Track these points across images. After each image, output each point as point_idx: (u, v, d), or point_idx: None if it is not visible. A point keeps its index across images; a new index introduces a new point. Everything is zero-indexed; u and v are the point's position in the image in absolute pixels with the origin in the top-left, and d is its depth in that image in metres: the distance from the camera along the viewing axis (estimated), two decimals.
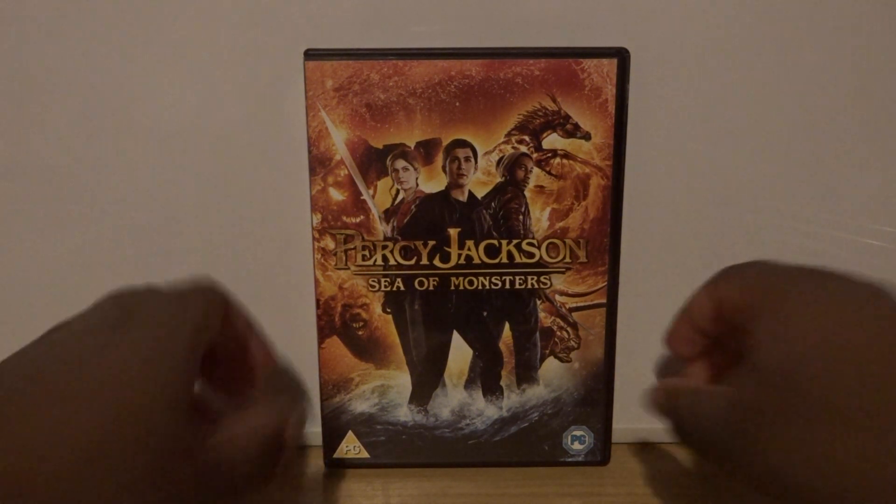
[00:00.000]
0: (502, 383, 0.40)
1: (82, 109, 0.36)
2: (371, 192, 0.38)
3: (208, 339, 0.27)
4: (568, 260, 0.39)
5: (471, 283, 0.39)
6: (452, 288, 0.39)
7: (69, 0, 0.35)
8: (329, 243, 0.39)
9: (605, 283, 0.39)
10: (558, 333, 0.40)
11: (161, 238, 0.40)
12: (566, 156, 0.38)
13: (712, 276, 0.31)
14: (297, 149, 0.38)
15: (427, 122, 0.37)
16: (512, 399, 0.41)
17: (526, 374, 0.40)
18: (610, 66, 0.37)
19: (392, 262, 0.39)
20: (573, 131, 0.37)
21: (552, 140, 0.38)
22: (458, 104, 0.37)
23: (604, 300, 0.39)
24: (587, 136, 0.37)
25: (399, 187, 0.38)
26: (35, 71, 0.36)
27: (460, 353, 0.40)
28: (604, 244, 0.39)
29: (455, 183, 0.38)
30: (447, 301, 0.39)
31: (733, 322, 0.29)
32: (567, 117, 0.37)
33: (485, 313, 0.40)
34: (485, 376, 0.40)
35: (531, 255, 0.39)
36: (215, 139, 0.38)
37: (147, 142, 0.37)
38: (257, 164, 0.39)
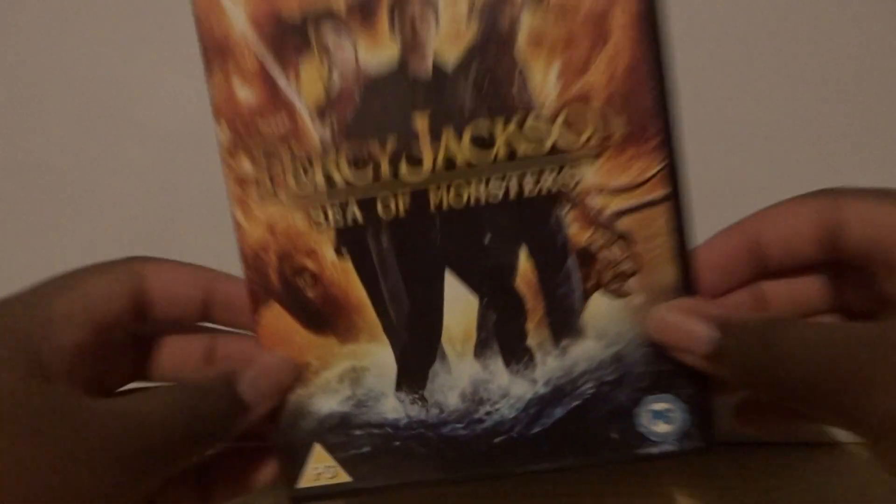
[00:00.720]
0: (530, 342, 0.27)
1: (82, 109, 0.36)
2: (292, 81, 0.26)
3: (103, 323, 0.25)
4: (599, 137, 0.26)
5: (458, 195, 0.26)
6: (433, 208, 0.26)
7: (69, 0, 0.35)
8: (245, 166, 0.26)
9: (664, 164, 0.26)
10: (602, 254, 0.26)
11: (161, 238, 0.39)
12: None
13: (815, 193, 0.25)
14: None
15: None
16: (549, 365, 0.27)
17: (564, 323, 0.27)
18: None
19: (339, 180, 0.26)
20: None
21: None
22: None
23: (665, 190, 0.26)
24: None
25: (332, 69, 0.26)
26: (35, 71, 0.36)
27: (460, 303, 0.27)
28: (649, 104, 0.25)
29: (411, 48, 0.26)
30: (428, 228, 0.26)
31: (852, 256, 0.24)
32: None
33: (487, 239, 0.26)
34: (502, 334, 0.27)
35: (542, 140, 0.26)
36: (216, 139, 0.30)
37: (147, 142, 0.37)
38: None
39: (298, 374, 0.27)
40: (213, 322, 0.28)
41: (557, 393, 0.27)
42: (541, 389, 0.27)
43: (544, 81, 0.25)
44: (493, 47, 0.25)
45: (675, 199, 0.26)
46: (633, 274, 0.26)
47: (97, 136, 0.37)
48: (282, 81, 0.26)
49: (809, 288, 0.27)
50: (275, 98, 0.26)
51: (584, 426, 0.27)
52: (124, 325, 0.26)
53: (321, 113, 0.26)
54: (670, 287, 0.26)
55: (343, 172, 0.26)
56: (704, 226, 0.27)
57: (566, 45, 0.25)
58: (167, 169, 0.38)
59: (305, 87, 0.26)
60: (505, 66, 0.26)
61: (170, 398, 0.24)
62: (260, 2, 0.26)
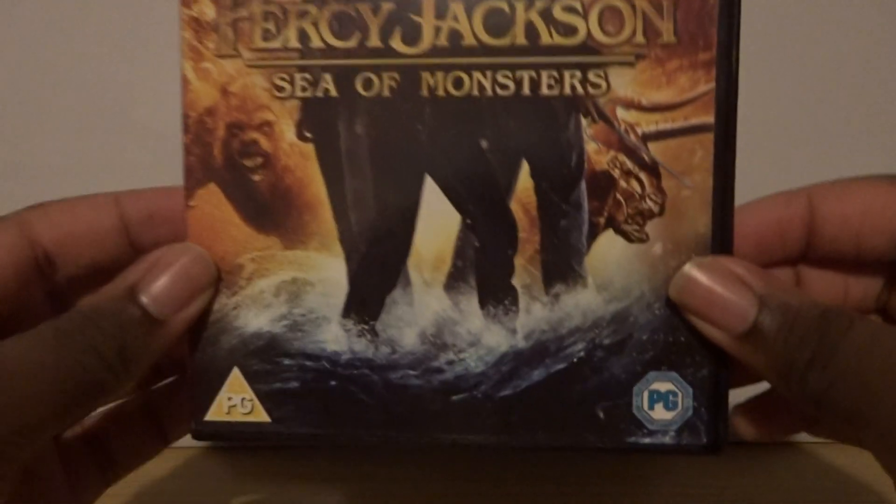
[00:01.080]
0: (515, 281, 0.22)
1: (82, 109, 0.36)
2: None
3: None
4: (640, 40, 0.21)
5: (458, 83, 0.21)
6: (426, 93, 0.21)
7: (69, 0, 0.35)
8: (206, 8, 0.22)
9: (713, 85, 0.21)
10: (622, 185, 0.21)
11: None
12: None
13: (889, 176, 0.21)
14: None
15: None
16: (535, 314, 0.22)
17: (561, 263, 0.21)
18: None
19: (317, 42, 0.21)
20: None
21: None
22: None
23: (710, 118, 0.21)
24: None
25: None
26: (35, 71, 0.36)
27: (437, 219, 0.22)
28: (706, 8, 0.21)
29: None
30: (415, 118, 0.21)
31: None
32: None
33: (484, 144, 0.21)
34: (483, 266, 0.22)
35: (571, 31, 0.21)
36: None
37: (147, 142, 0.36)
38: None
39: (220, 277, 0.22)
40: (146, 249, 0.23)
41: (539, 350, 0.22)
42: (519, 343, 0.22)
43: None
44: None
45: (723, 129, 0.21)
46: (656, 215, 0.21)
47: (97, 136, 0.36)
48: None
49: (853, 282, 0.22)
50: None
51: (565, 397, 0.21)
52: (27, 284, 0.21)
53: None
54: (700, 240, 0.21)
55: (323, 34, 0.21)
56: None
57: None
58: (167, 169, 0.35)
59: None
60: None
61: (47, 333, 0.19)
62: None
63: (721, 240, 0.21)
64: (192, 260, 0.21)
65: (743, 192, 0.22)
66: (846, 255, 0.22)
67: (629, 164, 0.21)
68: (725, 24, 0.21)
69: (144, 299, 0.20)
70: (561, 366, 0.21)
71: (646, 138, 0.21)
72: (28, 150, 0.37)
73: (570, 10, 0.21)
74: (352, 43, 0.21)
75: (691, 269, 0.20)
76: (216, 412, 0.22)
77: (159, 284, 0.20)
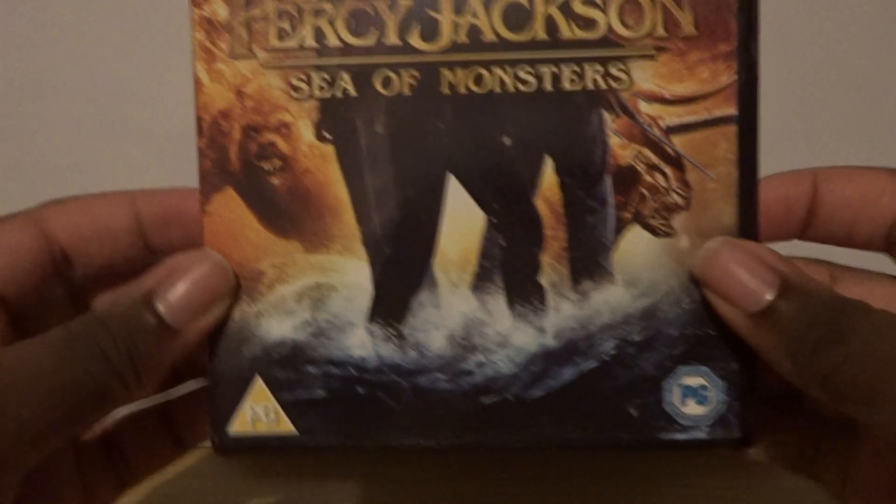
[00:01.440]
0: (544, 280, 0.21)
1: (82, 109, 0.36)
2: None
3: None
4: (660, 33, 0.21)
5: (479, 79, 0.21)
6: (446, 90, 0.21)
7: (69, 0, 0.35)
8: (219, 8, 0.21)
9: (734, 77, 0.21)
10: (647, 179, 0.21)
11: None
12: None
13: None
14: None
15: None
16: (564, 312, 0.21)
17: (588, 260, 0.21)
18: None
19: (333, 40, 0.21)
20: None
21: None
22: None
23: (733, 110, 0.21)
24: None
25: None
26: (35, 71, 0.36)
27: (462, 219, 0.21)
28: (727, 1, 0.21)
29: None
30: (436, 116, 0.21)
31: None
32: None
33: (507, 140, 0.21)
34: (510, 265, 0.21)
35: (591, 25, 0.21)
36: None
37: (147, 142, 0.36)
38: None
39: (239, 285, 0.21)
40: (160, 251, 0.22)
41: (569, 349, 0.21)
42: (549, 342, 0.21)
43: None
44: None
45: (746, 120, 0.21)
46: (682, 208, 0.21)
47: (97, 136, 0.36)
48: None
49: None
50: None
51: (596, 396, 0.21)
52: (46, 281, 0.21)
53: None
54: (727, 232, 0.21)
55: (340, 31, 0.21)
56: None
57: None
58: (167, 169, 0.34)
59: None
60: None
61: (57, 336, 0.19)
62: None
63: (747, 231, 0.21)
64: (210, 268, 0.21)
65: None
66: (838, 240, 0.22)
67: (653, 158, 0.21)
68: (745, 15, 0.21)
69: (160, 307, 0.20)
70: (592, 364, 0.21)
71: (669, 131, 0.21)
72: (28, 150, 0.36)
73: (589, 3, 0.21)
74: (369, 41, 0.21)
75: (715, 245, 0.20)
76: (239, 424, 0.22)
77: (176, 292, 0.20)
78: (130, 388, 0.19)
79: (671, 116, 0.21)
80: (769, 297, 0.19)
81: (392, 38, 0.21)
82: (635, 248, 0.21)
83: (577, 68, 0.21)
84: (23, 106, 0.36)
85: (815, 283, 0.20)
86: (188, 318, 0.20)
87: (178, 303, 0.20)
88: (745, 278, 0.19)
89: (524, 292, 0.21)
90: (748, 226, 0.21)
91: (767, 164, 0.21)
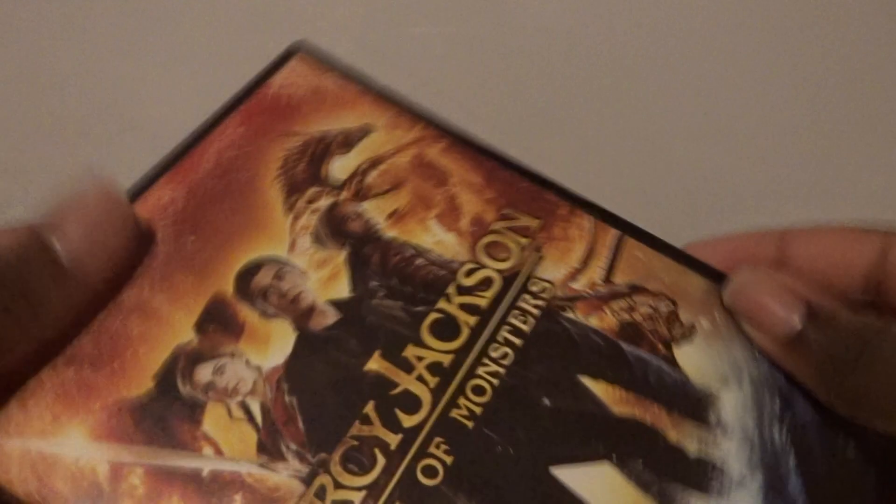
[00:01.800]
0: (688, 448, 0.20)
1: (82, 109, 0.36)
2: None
3: None
4: (525, 239, 0.23)
5: (479, 393, 0.20)
6: (471, 427, 0.20)
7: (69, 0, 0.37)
8: None
9: (592, 216, 0.24)
10: (637, 317, 0.22)
11: None
12: (376, 162, 0.24)
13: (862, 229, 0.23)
14: None
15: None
16: (723, 447, 0.20)
17: (683, 396, 0.21)
18: (300, 63, 0.26)
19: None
20: (352, 139, 0.25)
21: (343, 165, 0.24)
22: (193, 238, 0.22)
23: (616, 231, 0.24)
24: (369, 131, 0.25)
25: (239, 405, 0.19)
26: (35, 71, 0.36)
27: (596, 482, 0.19)
28: (528, 187, 0.24)
29: (297, 316, 0.21)
30: (487, 449, 0.19)
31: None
32: (327, 133, 0.24)
33: (546, 401, 0.20)
34: (661, 471, 0.20)
35: (485, 282, 0.22)
36: None
37: (147, 142, 0.32)
38: None
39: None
40: None
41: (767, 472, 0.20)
42: (751, 483, 0.20)
43: (442, 240, 0.23)
44: (367, 249, 0.22)
45: (629, 228, 0.24)
46: (676, 308, 0.22)
47: (97, 137, 0.36)
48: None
49: None
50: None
51: None
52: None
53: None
54: (706, 289, 0.23)
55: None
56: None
57: (419, 202, 0.23)
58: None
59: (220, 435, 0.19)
60: (393, 253, 0.22)
61: None
62: None
63: (715, 275, 0.23)
64: (105, 199, 0.20)
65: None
66: None
67: (624, 303, 0.22)
68: (551, 187, 0.24)
69: (56, 243, 0.18)
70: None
71: (606, 281, 0.23)
72: (28, 150, 0.36)
73: (469, 275, 0.22)
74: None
75: (743, 277, 0.22)
76: None
77: (70, 225, 0.19)
78: (27, 327, 0.18)
79: (594, 273, 0.23)
80: (797, 323, 0.20)
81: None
82: (692, 360, 0.21)
83: (512, 308, 0.21)
84: (23, 106, 0.36)
85: (838, 307, 0.21)
86: (83, 253, 0.19)
87: (73, 236, 0.19)
88: (776, 307, 0.21)
89: (693, 475, 0.20)
90: (714, 272, 0.23)
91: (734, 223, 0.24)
